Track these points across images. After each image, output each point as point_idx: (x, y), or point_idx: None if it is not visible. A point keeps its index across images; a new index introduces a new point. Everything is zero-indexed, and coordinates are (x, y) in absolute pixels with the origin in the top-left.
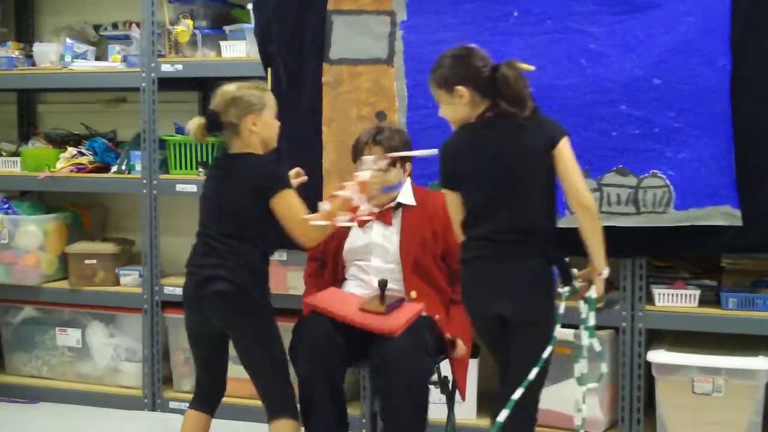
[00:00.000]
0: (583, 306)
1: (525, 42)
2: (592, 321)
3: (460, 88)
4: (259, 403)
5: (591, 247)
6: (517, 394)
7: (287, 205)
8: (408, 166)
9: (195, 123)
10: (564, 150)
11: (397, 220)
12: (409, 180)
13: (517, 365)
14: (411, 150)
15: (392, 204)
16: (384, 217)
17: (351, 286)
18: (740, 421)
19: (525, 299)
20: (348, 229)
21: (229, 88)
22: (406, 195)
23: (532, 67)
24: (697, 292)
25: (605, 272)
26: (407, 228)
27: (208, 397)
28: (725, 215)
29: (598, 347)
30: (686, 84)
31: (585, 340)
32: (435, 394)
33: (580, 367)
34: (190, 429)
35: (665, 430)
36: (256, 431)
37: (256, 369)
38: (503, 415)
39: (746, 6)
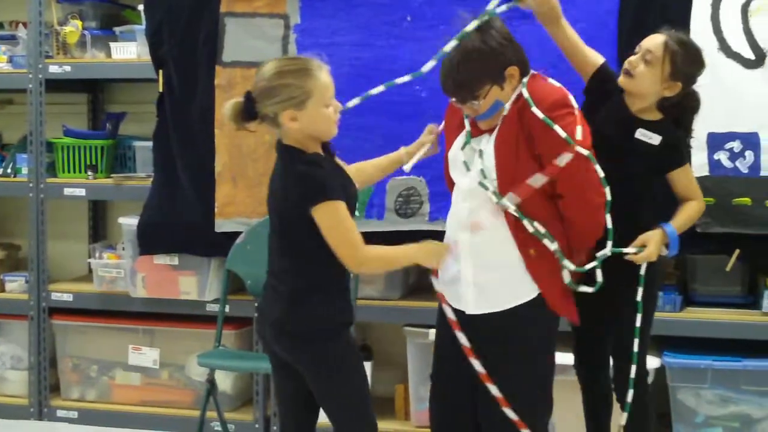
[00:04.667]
0: None
1: (419, 46)
2: None
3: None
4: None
5: None
6: None
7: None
8: (506, 87)
9: (230, 106)
10: None
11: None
12: (523, 88)
13: None
14: None
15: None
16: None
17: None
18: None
19: None
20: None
21: (268, 71)
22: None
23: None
24: None
25: None
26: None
27: None
28: None
29: None
30: (576, 90)
31: None
32: None
33: None
34: None
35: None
36: None
37: None
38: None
39: (631, 10)
